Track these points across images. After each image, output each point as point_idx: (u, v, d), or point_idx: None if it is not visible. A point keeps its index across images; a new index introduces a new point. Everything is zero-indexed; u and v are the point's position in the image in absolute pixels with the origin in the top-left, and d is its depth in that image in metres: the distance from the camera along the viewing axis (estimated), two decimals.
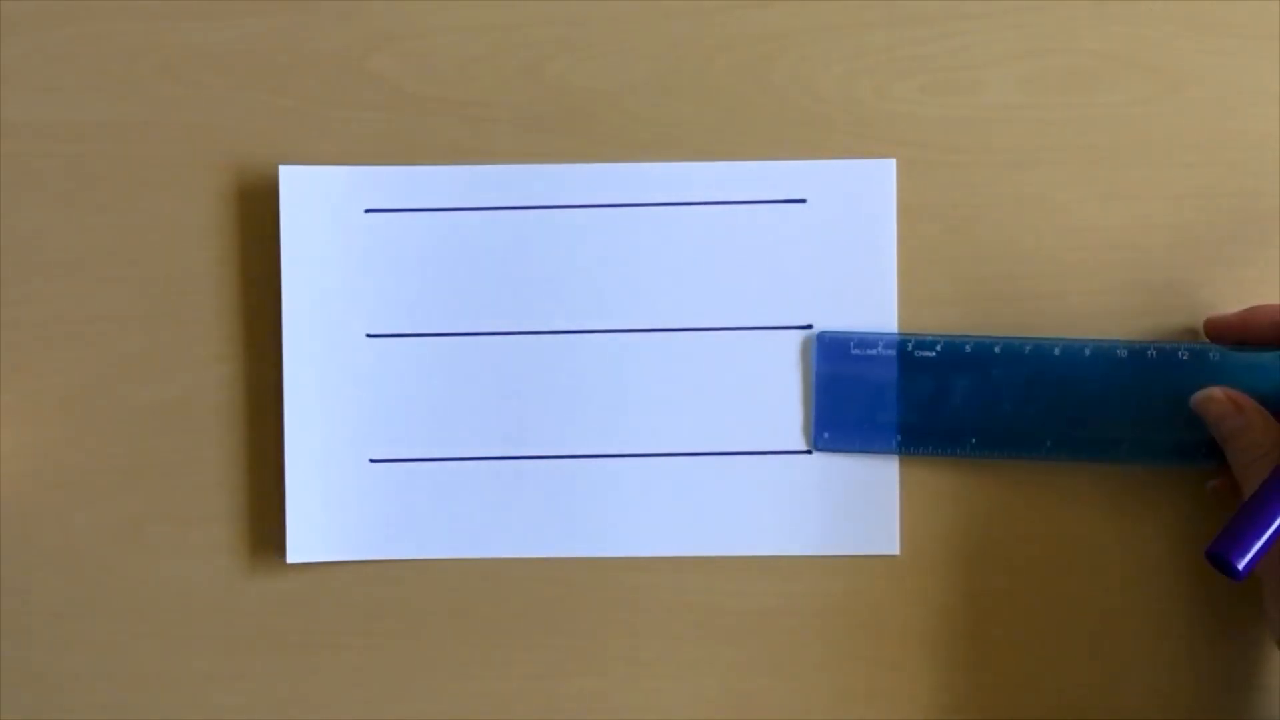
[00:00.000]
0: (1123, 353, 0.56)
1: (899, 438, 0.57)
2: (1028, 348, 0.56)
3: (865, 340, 0.57)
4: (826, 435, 0.57)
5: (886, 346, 0.57)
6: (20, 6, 0.58)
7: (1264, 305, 0.55)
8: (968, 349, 0.57)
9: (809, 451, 0.58)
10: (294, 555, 0.57)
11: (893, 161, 0.58)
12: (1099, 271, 0.58)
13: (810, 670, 0.58)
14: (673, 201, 0.58)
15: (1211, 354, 0.56)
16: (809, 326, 0.58)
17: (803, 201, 0.58)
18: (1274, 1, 0.58)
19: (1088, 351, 0.56)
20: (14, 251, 0.58)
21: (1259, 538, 0.50)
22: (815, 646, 0.58)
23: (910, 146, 0.58)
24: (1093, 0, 0.59)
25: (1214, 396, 0.54)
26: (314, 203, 0.57)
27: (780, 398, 0.58)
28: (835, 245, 0.58)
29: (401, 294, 0.58)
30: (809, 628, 0.58)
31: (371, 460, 0.58)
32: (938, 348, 0.57)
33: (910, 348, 0.57)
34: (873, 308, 0.58)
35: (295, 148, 0.58)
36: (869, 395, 0.57)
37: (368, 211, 0.58)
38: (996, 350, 0.57)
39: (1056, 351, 0.56)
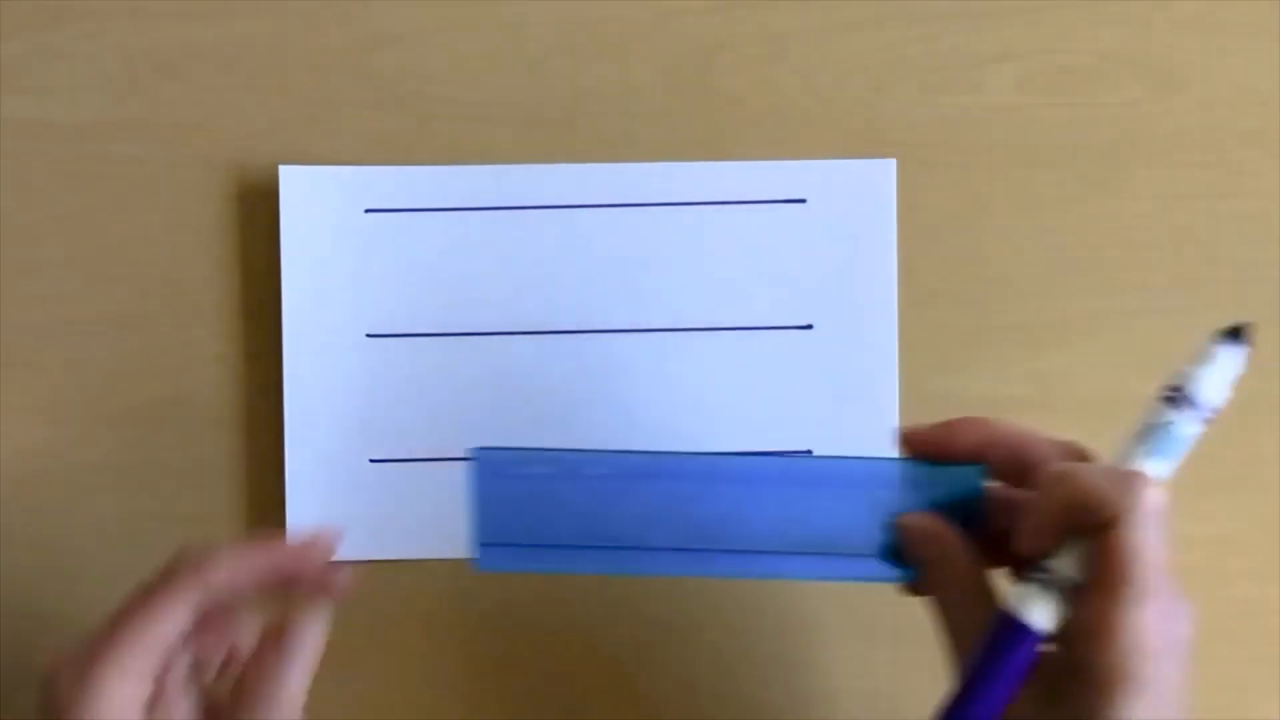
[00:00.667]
0: (775, 470, 0.51)
1: (560, 557, 0.51)
2: (698, 464, 0.51)
3: (519, 458, 0.51)
4: (486, 556, 0.51)
5: (546, 464, 0.51)
6: (20, 6, 0.58)
7: (964, 420, 0.49)
8: (635, 466, 0.51)
9: (808, 452, 0.58)
10: None
11: (893, 161, 0.58)
12: (1099, 271, 0.58)
13: (810, 670, 0.58)
14: (673, 201, 0.58)
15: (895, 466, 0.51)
16: (809, 326, 0.58)
17: (803, 201, 0.58)
18: (1274, 1, 0.58)
19: (753, 469, 0.52)
20: (14, 251, 0.58)
21: (994, 707, 0.45)
22: (815, 646, 0.58)
23: (910, 146, 0.58)
24: (1093, 0, 0.59)
25: (910, 524, 0.49)
26: (314, 203, 0.57)
27: (780, 398, 0.58)
28: (835, 245, 0.58)
29: (401, 294, 0.58)
30: (808, 628, 0.58)
31: (371, 460, 0.58)
32: (604, 467, 0.51)
33: (573, 464, 0.51)
34: (873, 308, 0.58)
35: (295, 148, 0.58)
36: (526, 512, 0.51)
37: (368, 211, 0.58)
38: (666, 467, 0.51)
39: (733, 467, 0.52)
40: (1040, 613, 0.45)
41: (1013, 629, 0.45)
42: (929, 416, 0.58)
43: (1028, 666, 0.45)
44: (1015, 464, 0.47)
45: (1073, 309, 0.58)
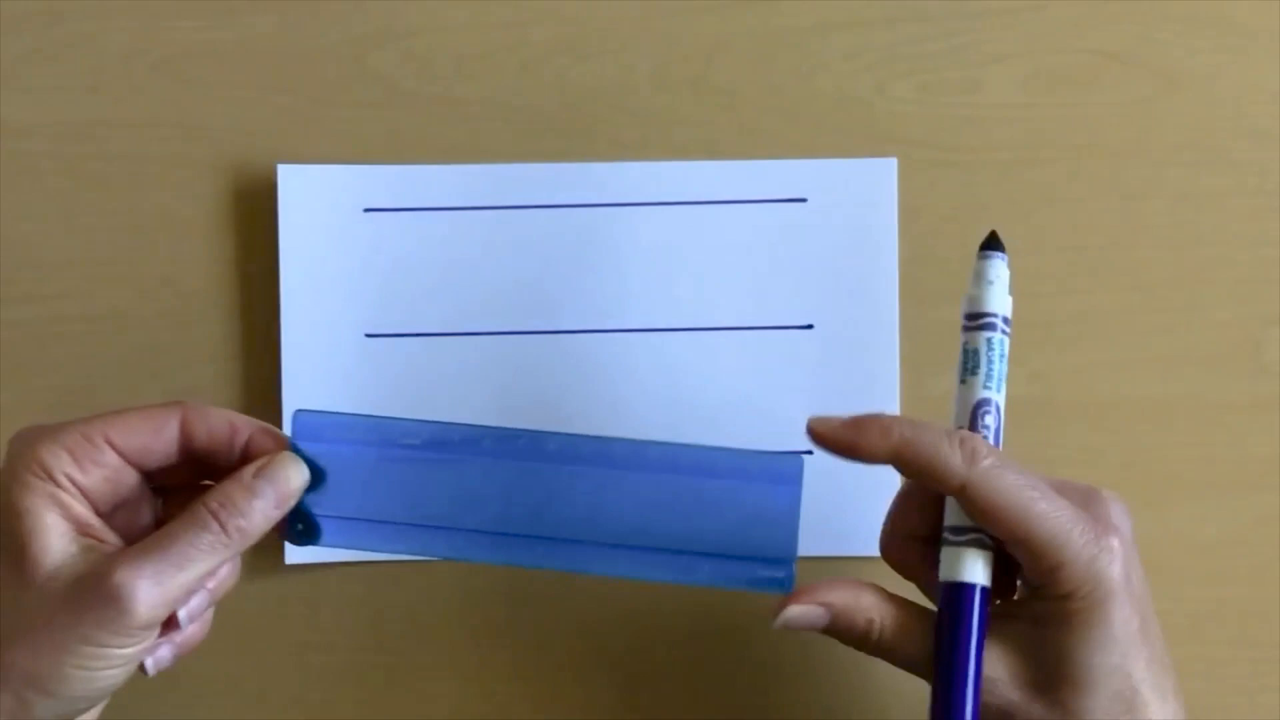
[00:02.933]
0: (655, 452, 0.50)
1: (379, 535, 0.50)
2: (520, 440, 0.50)
3: (343, 424, 0.49)
4: (300, 528, 0.50)
5: (368, 431, 0.50)
6: (20, 6, 0.59)
7: (871, 420, 0.48)
8: (454, 439, 0.50)
9: (809, 452, 0.57)
10: (293, 556, 0.57)
11: (894, 160, 0.58)
12: (1099, 271, 0.58)
13: (810, 670, 0.58)
14: (673, 201, 0.58)
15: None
16: (809, 326, 0.58)
17: (803, 201, 0.58)
18: (1274, 1, 0.58)
19: (585, 449, 0.50)
20: (14, 251, 0.58)
21: (970, 673, 0.47)
22: (815, 647, 0.58)
23: (911, 146, 0.58)
24: (1093, 0, 0.59)
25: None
26: (313, 202, 0.57)
27: (780, 398, 0.57)
28: (836, 245, 0.58)
29: (401, 294, 0.58)
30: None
31: None
32: (423, 436, 0.50)
33: (394, 434, 0.50)
34: (873, 308, 0.58)
35: (294, 146, 0.58)
36: (346, 487, 0.50)
37: (367, 211, 0.58)
38: (485, 443, 0.50)
39: (551, 447, 0.50)
40: (973, 568, 0.47)
41: (957, 592, 0.47)
42: (930, 417, 0.58)
43: (984, 621, 0.47)
44: (917, 468, 0.47)
45: (1073, 309, 0.58)
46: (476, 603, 0.58)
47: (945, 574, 0.48)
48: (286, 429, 0.50)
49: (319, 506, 0.49)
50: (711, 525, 0.49)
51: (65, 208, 0.58)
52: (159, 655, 0.49)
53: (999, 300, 0.49)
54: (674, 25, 0.59)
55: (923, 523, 0.49)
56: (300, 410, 0.49)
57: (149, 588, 0.45)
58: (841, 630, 0.48)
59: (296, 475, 0.48)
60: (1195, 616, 0.58)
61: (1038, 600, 0.47)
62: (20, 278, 0.58)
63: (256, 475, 0.47)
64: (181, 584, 0.46)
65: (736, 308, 0.58)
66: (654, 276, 0.58)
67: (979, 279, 0.49)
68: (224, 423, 0.48)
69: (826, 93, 0.58)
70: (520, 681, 0.58)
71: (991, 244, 0.49)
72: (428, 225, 0.58)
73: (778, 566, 0.49)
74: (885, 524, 0.51)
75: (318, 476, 0.49)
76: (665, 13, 0.59)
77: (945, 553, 0.48)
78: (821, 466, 0.57)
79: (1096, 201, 0.58)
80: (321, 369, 0.57)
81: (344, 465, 0.49)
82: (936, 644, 0.47)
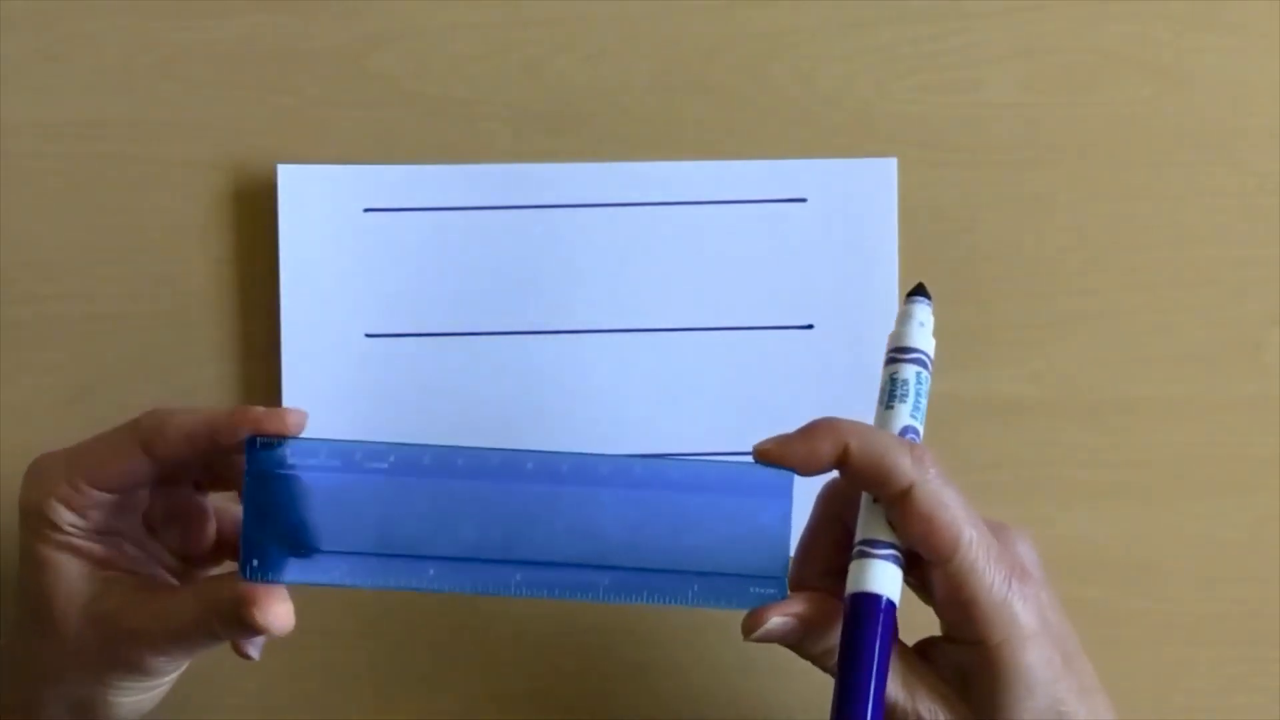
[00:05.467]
0: (638, 468, 0.47)
1: (345, 567, 0.47)
2: (494, 460, 0.47)
3: (303, 449, 0.47)
4: (255, 563, 0.47)
5: (330, 456, 0.47)
6: (20, 6, 0.59)
7: (816, 423, 0.47)
8: (425, 460, 0.47)
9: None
10: None
11: (894, 160, 0.58)
12: (1099, 271, 0.58)
13: (809, 670, 0.58)
14: (673, 201, 0.58)
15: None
16: (809, 326, 0.58)
17: (803, 201, 0.58)
18: (1274, 0, 0.58)
19: (564, 467, 0.47)
20: (14, 251, 0.58)
21: (871, 689, 0.45)
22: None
23: (911, 146, 0.58)
24: (1093, 0, 0.59)
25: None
26: (313, 202, 0.57)
27: (780, 398, 0.57)
28: (836, 245, 0.58)
29: (401, 294, 0.58)
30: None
31: None
32: (390, 459, 0.47)
33: (358, 458, 0.47)
34: (873, 307, 0.58)
35: (294, 146, 0.58)
36: (308, 516, 0.47)
37: (367, 210, 0.58)
38: (459, 463, 0.47)
39: (529, 466, 0.47)
40: (885, 580, 0.46)
41: (868, 603, 0.46)
42: (928, 416, 0.58)
43: (890, 638, 0.46)
44: (865, 465, 0.46)
45: (1073, 309, 0.58)
46: (476, 602, 0.58)
47: (855, 585, 0.46)
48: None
49: (278, 538, 0.47)
50: (699, 542, 0.47)
51: (65, 208, 0.58)
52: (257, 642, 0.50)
53: (927, 341, 0.49)
54: (674, 25, 0.59)
55: (835, 557, 0.48)
56: (254, 438, 0.46)
57: (165, 662, 0.49)
58: (808, 641, 0.48)
59: (269, 619, 0.47)
60: (1195, 616, 0.58)
61: (952, 646, 0.47)
62: (20, 278, 0.58)
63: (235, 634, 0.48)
64: (194, 654, 0.49)
65: (736, 308, 0.58)
66: (654, 276, 0.58)
67: (910, 319, 0.49)
68: (181, 440, 0.47)
69: (826, 93, 0.58)
70: (520, 680, 0.58)
71: (919, 292, 0.50)
72: (428, 225, 0.58)
73: (769, 583, 0.47)
74: (794, 563, 0.49)
75: (277, 503, 0.46)
76: (665, 13, 0.59)
77: (857, 565, 0.46)
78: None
79: (1097, 201, 0.58)
80: (321, 369, 0.57)
81: (304, 493, 0.47)
82: (841, 656, 0.46)
